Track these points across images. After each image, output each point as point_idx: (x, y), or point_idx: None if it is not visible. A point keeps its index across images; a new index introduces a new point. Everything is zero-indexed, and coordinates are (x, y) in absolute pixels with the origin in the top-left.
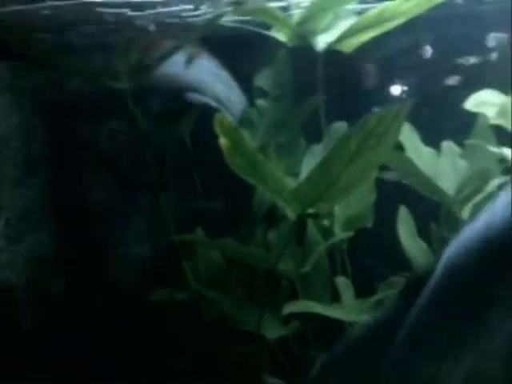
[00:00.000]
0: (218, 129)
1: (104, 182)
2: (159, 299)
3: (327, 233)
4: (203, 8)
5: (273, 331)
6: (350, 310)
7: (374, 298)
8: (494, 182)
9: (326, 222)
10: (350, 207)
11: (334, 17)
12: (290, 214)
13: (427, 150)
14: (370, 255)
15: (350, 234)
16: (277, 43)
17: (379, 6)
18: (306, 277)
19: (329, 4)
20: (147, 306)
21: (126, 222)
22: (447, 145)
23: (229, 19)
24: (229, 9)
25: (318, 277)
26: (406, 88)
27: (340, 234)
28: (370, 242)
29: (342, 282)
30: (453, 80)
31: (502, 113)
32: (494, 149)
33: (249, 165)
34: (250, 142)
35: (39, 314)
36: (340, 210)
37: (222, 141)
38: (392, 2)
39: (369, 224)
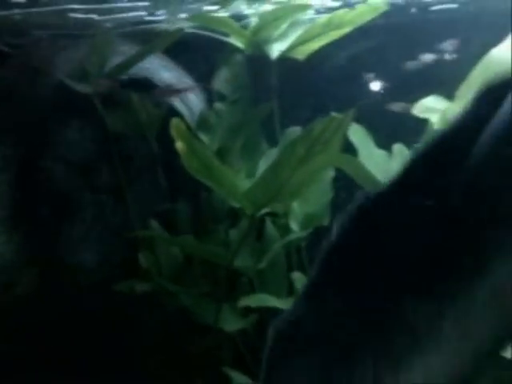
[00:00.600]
0: (174, 133)
1: (68, 180)
2: (123, 290)
3: (286, 231)
4: (158, 14)
5: (231, 324)
6: None
7: None
8: None
9: (285, 221)
10: (307, 206)
11: (288, 26)
12: (245, 214)
13: (379, 152)
14: None
15: (307, 232)
16: (235, 48)
17: (326, 16)
18: (263, 272)
19: (280, 13)
20: (112, 301)
21: (90, 219)
22: (398, 147)
23: (189, 25)
24: (185, 15)
25: (274, 272)
26: (359, 93)
27: (296, 232)
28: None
29: (297, 277)
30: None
31: (443, 119)
32: None
33: (204, 167)
34: (207, 145)
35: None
36: (298, 209)
37: (179, 144)
38: (338, 12)
39: (325, 222)
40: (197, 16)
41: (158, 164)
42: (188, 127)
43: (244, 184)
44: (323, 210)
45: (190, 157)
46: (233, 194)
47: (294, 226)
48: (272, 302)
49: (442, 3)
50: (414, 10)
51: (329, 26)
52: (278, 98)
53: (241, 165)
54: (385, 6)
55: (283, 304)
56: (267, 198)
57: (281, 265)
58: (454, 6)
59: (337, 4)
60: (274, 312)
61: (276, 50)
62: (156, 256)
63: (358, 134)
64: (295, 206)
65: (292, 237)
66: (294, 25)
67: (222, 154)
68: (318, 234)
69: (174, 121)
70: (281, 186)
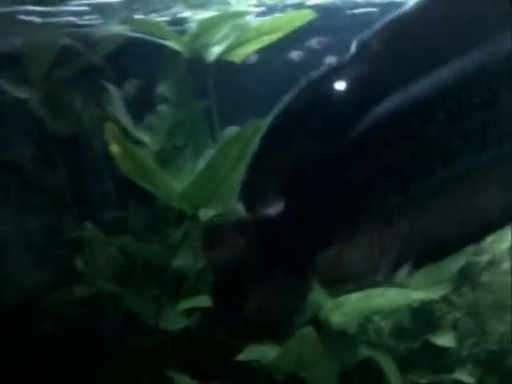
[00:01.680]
0: (108, 136)
1: (7, 184)
2: (62, 298)
3: None
4: (89, 18)
5: (174, 324)
6: None
7: None
8: None
9: None
10: None
11: (229, 30)
12: (183, 214)
13: None
14: None
15: None
16: (175, 52)
17: (260, 20)
18: (204, 272)
19: (219, 20)
20: (52, 306)
21: (29, 225)
22: None
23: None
24: (118, 22)
25: None
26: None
27: None
28: None
29: None
30: None
31: None
32: None
33: (139, 170)
34: (149, 147)
35: None
36: None
37: (113, 147)
38: (268, 18)
39: None
40: (131, 21)
41: (103, 167)
42: (127, 130)
43: (183, 184)
44: None
45: (124, 160)
46: (169, 194)
47: None
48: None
49: (365, 6)
50: (348, 12)
51: (260, 31)
52: (218, 100)
53: (190, 164)
54: (313, 13)
55: None
56: (204, 199)
57: None
58: (375, 9)
59: (261, 9)
60: None
61: (212, 53)
62: (94, 259)
63: None
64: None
65: None
66: (233, 29)
67: (164, 154)
68: None
69: (109, 124)
70: (216, 186)
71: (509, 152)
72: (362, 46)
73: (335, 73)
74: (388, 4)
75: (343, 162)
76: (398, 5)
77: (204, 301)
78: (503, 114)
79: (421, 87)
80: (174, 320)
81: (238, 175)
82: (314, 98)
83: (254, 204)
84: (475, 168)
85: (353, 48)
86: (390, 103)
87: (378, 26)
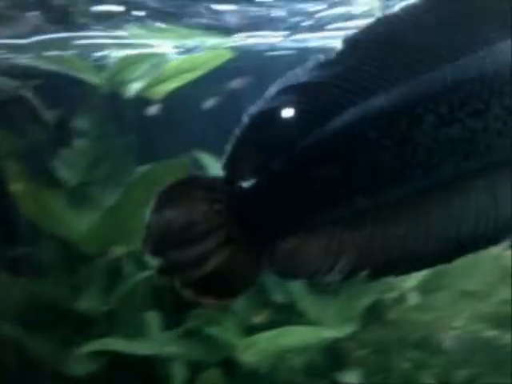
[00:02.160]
0: (11, 176)
1: None
2: None
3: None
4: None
5: (80, 368)
6: (155, 343)
7: (181, 329)
8: None
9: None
10: None
11: (148, 67)
12: (87, 254)
13: None
14: None
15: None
16: (94, 87)
17: (180, 58)
18: (114, 314)
19: (138, 58)
20: None
21: None
22: None
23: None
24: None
25: (127, 313)
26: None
27: (150, 270)
28: None
29: (149, 316)
30: None
31: None
32: None
33: (41, 211)
34: (59, 183)
35: None
36: None
37: (15, 187)
38: (188, 56)
39: None
40: (47, 56)
41: (14, 201)
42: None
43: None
44: None
45: (26, 200)
46: (75, 234)
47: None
48: (118, 345)
49: (282, 50)
50: (267, 53)
51: (180, 69)
52: (139, 136)
53: (108, 201)
54: (230, 53)
55: (131, 347)
56: (108, 239)
57: (135, 304)
58: (292, 52)
59: (180, 51)
60: (125, 354)
61: (131, 89)
62: None
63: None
64: None
65: (144, 275)
66: (153, 67)
67: (81, 189)
68: None
69: (11, 163)
70: (121, 227)
71: (488, 170)
72: (348, 45)
73: (320, 69)
74: (304, 48)
75: (317, 155)
76: (315, 51)
77: (110, 343)
78: (489, 125)
79: (402, 90)
80: (80, 364)
81: (142, 217)
82: (297, 90)
83: (234, 175)
84: (450, 185)
85: (338, 46)
86: (369, 103)
87: (364, 25)
